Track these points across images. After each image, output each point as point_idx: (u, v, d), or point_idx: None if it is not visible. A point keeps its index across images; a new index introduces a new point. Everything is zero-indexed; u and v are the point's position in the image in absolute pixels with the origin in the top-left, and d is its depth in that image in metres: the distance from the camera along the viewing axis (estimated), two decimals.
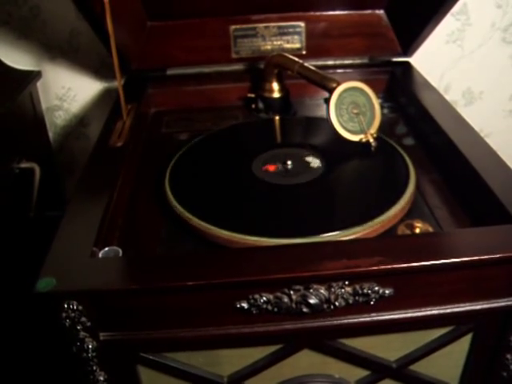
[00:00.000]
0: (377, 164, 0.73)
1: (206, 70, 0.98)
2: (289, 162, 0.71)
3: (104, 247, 0.57)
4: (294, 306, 0.52)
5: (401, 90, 0.93)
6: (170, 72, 0.98)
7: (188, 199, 0.65)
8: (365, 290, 0.52)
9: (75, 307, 0.50)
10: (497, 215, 0.57)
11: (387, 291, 0.52)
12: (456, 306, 0.55)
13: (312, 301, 0.51)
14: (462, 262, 0.51)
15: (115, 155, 0.72)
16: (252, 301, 0.51)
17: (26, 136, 1.03)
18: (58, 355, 0.83)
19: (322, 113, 0.82)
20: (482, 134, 0.73)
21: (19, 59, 1.08)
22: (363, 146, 0.74)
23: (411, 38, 0.95)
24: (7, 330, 0.92)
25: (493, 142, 0.69)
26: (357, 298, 0.52)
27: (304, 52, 0.99)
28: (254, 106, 0.93)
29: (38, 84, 1.08)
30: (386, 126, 0.85)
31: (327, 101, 0.74)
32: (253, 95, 0.93)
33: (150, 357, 0.56)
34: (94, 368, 0.55)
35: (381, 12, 0.98)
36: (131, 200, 0.70)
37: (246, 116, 0.93)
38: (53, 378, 0.97)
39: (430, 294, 0.54)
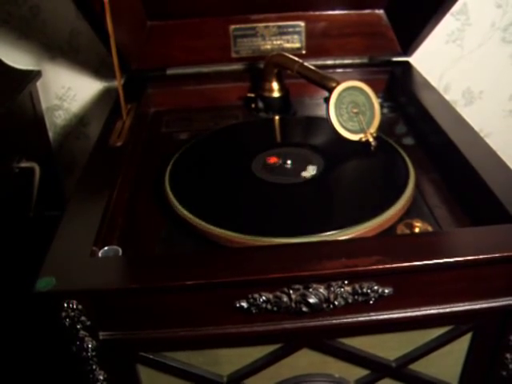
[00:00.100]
0: (376, 163, 0.73)
1: (206, 69, 0.98)
2: (288, 162, 0.72)
3: (104, 246, 0.57)
4: (293, 305, 0.52)
5: (400, 90, 0.94)
6: (169, 72, 0.98)
7: (188, 199, 0.65)
8: (364, 290, 0.52)
9: (75, 306, 0.50)
10: (496, 215, 0.57)
11: (386, 290, 0.52)
12: (455, 305, 0.55)
13: (311, 300, 0.51)
14: (461, 261, 0.51)
15: (115, 155, 0.72)
16: (251, 300, 0.51)
17: (25, 135, 1.03)
18: (57, 354, 0.83)
19: (321, 112, 0.82)
20: (481, 134, 0.73)
21: (19, 59, 1.08)
22: (363, 145, 0.74)
23: (411, 37, 0.95)
24: (7, 329, 0.92)
25: (492, 142, 0.69)
26: (356, 297, 0.52)
27: (304, 51, 0.99)
28: (253, 105, 0.93)
29: (38, 84, 1.08)
30: (386, 126, 0.85)
31: (327, 100, 0.74)
32: (253, 95, 0.93)
33: (150, 356, 0.56)
34: (94, 367, 0.55)
35: (380, 12, 0.98)
36: (131, 199, 0.70)
37: (245, 116, 0.93)
38: (53, 378, 0.97)
39: (429, 293, 0.54)
